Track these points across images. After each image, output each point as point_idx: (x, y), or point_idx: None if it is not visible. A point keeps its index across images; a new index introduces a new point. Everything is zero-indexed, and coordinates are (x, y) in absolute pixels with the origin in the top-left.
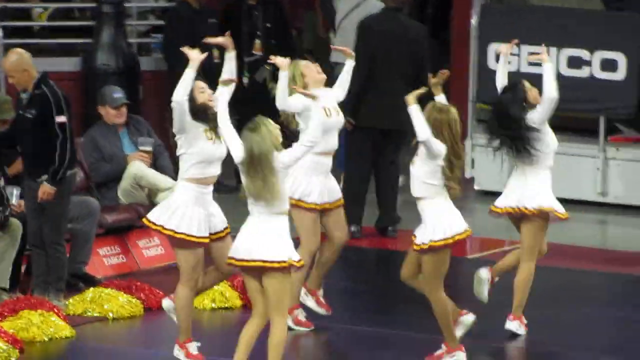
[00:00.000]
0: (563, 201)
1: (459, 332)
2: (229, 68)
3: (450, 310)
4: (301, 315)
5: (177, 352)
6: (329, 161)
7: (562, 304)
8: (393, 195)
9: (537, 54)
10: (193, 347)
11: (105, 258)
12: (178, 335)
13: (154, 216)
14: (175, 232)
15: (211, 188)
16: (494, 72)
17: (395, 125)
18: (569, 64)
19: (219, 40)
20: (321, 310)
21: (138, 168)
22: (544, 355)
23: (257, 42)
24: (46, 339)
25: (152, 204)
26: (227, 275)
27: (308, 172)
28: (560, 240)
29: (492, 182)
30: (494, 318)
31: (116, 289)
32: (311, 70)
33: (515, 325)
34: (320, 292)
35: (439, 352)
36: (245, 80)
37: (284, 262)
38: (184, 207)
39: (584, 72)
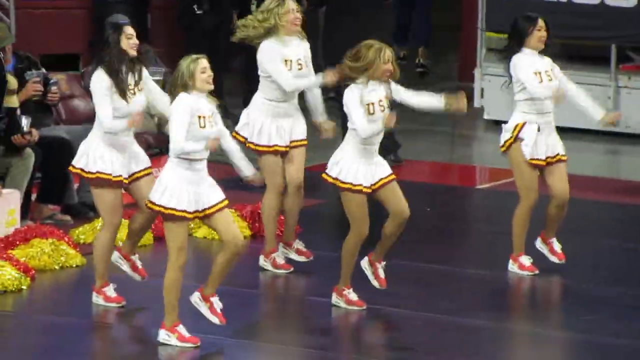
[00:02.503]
0: (574, 130)
1: None
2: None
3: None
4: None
5: (95, 298)
6: (290, 107)
7: (573, 235)
8: None
9: None
10: (111, 290)
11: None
12: (95, 282)
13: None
14: (91, 173)
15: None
16: (502, 0)
17: None
18: None
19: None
20: (136, 276)
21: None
22: (553, 287)
23: None
24: (57, 268)
25: (161, 133)
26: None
27: (263, 115)
28: (570, 170)
29: (502, 111)
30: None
31: (126, 217)
32: (289, 18)
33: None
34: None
35: None
36: (252, 7)
37: None
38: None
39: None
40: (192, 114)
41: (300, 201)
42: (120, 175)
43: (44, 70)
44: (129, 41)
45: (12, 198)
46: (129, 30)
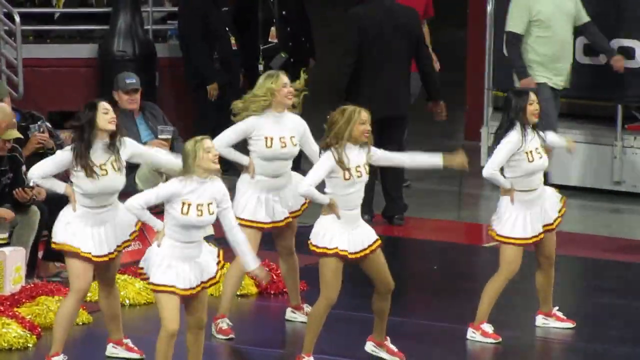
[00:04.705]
0: (579, 189)
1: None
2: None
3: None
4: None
5: None
6: (280, 181)
7: (577, 294)
8: (399, 185)
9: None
10: None
11: None
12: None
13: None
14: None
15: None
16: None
17: (395, 113)
18: (585, 51)
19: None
20: (135, 355)
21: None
22: (561, 347)
23: (273, 29)
24: None
25: None
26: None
27: (256, 192)
28: (575, 229)
29: None
30: (515, 308)
31: (133, 275)
32: (282, 92)
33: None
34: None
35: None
36: (260, 67)
37: None
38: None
39: (600, 60)
40: (171, 198)
41: (295, 263)
42: (89, 253)
43: (47, 123)
44: (106, 116)
45: (18, 255)
46: (104, 105)
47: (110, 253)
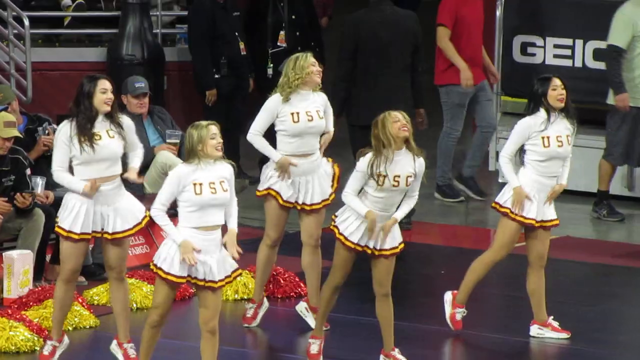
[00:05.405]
0: (588, 195)
1: None
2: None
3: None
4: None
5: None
6: (309, 165)
7: (586, 299)
8: None
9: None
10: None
11: (129, 248)
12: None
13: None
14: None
15: (110, 185)
16: (519, 65)
17: None
18: (595, 56)
19: None
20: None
21: (167, 157)
22: (566, 351)
23: (282, 33)
24: (70, 329)
25: None
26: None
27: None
28: (584, 234)
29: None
30: (518, 313)
31: (140, 279)
32: (311, 69)
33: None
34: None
35: None
36: (269, 71)
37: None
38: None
39: None
40: (181, 184)
41: (318, 260)
42: (86, 234)
43: (54, 125)
44: (103, 95)
45: (26, 259)
46: (104, 84)
47: (102, 232)
